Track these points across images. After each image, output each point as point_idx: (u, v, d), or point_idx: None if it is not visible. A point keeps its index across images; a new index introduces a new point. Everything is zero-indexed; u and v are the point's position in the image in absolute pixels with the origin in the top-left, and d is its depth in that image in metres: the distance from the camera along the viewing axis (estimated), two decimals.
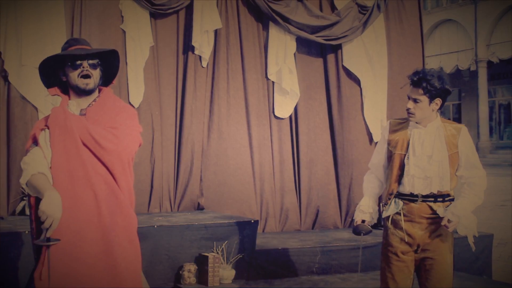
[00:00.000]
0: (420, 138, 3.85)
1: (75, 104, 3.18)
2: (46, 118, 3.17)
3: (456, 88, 33.77)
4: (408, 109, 3.82)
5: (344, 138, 6.81)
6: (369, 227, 3.91)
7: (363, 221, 3.92)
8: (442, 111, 3.92)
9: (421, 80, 3.76)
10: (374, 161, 4.11)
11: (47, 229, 2.84)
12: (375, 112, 6.86)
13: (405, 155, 3.85)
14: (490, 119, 31.02)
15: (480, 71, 28.79)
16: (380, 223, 4.53)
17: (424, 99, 3.77)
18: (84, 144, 3.08)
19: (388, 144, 3.96)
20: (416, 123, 3.86)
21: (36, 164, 3.04)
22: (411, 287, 3.92)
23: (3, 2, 5.60)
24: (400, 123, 3.97)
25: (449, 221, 3.72)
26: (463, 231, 3.82)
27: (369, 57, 6.87)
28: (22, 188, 5.64)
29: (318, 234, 6.31)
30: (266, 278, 5.32)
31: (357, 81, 6.89)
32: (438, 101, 3.79)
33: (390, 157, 3.94)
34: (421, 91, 3.76)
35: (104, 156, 3.10)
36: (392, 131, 3.97)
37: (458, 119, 34.37)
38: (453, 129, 3.90)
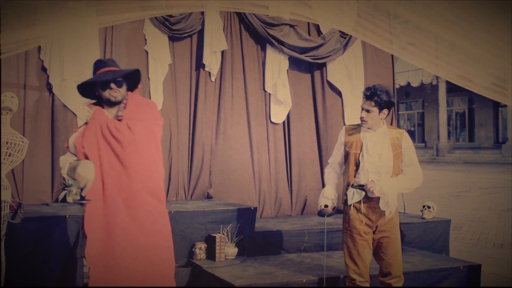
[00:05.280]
0: (372, 140, 3.92)
1: (107, 112, 3.21)
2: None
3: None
4: (361, 118, 3.91)
5: (328, 140, 6.82)
6: (331, 210, 4.01)
7: (325, 206, 4.00)
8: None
9: (373, 95, 3.83)
10: (332, 158, 4.17)
11: (82, 190, 2.88)
12: (354, 118, 6.83)
13: (359, 154, 3.92)
14: (448, 124, 31.02)
15: (440, 85, 28.80)
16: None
17: (375, 109, 3.85)
18: (103, 136, 3.04)
19: (345, 145, 4.02)
20: (368, 128, 3.93)
21: (69, 158, 3.15)
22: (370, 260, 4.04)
23: (49, 30, 5.62)
24: (353, 128, 4.04)
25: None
26: (378, 192, 3.86)
27: (348, 73, 6.88)
28: (64, 179, 5.68)
29: (306, 218, 6.31)
30: (263, 254, 5.33)
31: (339, 93, 6.91)
32: (385, 111, 3.88)
33: (346, 156, 4.00)
34: (372, 103, 3.84)
35: (117, 147, 3.03)
36: (348, 135, 4.03)
37: (422, 125, 34.35)
38: (397, 133, 3.99)
